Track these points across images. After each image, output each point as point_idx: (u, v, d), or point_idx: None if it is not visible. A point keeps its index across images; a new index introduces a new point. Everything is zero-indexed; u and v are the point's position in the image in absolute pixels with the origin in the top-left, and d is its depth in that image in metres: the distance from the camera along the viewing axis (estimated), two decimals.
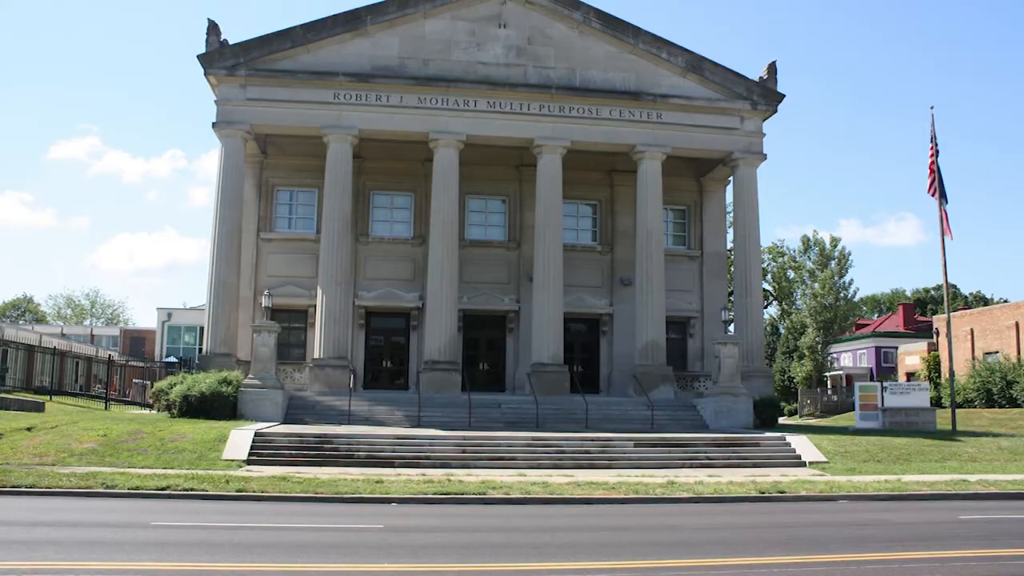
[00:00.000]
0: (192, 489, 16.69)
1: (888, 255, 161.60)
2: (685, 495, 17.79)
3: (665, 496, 17.64)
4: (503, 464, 22.83)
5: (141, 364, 61.56)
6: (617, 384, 36.95)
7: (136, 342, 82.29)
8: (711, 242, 40.20)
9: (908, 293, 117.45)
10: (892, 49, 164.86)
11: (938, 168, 34.18)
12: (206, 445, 22.61)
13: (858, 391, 31.65)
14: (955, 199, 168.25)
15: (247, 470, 20.44)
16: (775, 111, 36.54)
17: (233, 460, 21.50)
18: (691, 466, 23.71)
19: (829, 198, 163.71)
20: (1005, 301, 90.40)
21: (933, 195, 34.19)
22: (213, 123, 33.60)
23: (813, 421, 56.40)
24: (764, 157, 36.35)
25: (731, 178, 39.43)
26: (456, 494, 17.02)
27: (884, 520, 15.03)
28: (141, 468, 19.93)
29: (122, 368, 53.49)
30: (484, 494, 17.08)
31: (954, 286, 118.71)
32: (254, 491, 16.71)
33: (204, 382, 28.80)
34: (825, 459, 24.55)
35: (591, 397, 33.05)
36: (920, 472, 22.92)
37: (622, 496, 17.42)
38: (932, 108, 33.61)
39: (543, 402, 31.18)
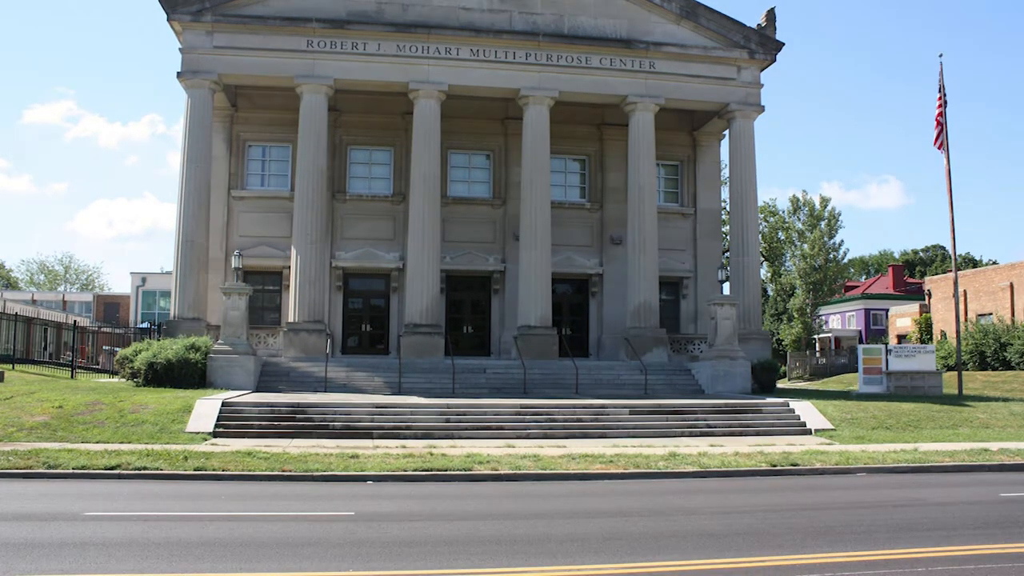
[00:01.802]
0: (145, 468, 14.93)
1: (871, 218, 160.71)
2: (689, 469, 16.22)
3: (668, 470, 16.05)
4: (490, 434, 21.26)
5: (114, 330, 59.45)
6: (608, 347, 35.42)
7: (111, 308, 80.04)
8: (705, 199, 38.50)
9: (896, 255, 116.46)
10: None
11: (945, 120, 32.54)
12: (169, 416, 20.89)
13: (862, 354, 30.17)
14: (963, 154, 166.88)
15: (211, 444, 18.76)
16: (774, 60, 34.72)
17: (198, 433, 19.82)
18: (691, 434, 22.23)
19: (810, 160, 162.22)
20: (994, 263, 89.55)
21: (939, 148, 32.59)
22: (178, 72, 31.49)
23: (803, 384, 55.12)
24: (762, 109, 34.58)
25: (726, 132, 37.81)
26: (439, 470, 15.34)
27: (920, 499, 13.43)
28: (95, 443, 18.19)
29: (94, 335, 51.44)
30: (470, 470, 15.41)
31: (942, 247, 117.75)
32: (214, 469, 14.98)
33: (171, 349, 27.02)
34: (832, 426, 23.13)
35: (581, 361, 31.53)
36: (933, 440, 21.54)
37: (622, 471, 15.83)
38: (941, 56, 32.07)
39: (531, 367, 29.63)
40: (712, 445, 20.06)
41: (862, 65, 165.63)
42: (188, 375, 26.59)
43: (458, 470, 15.38)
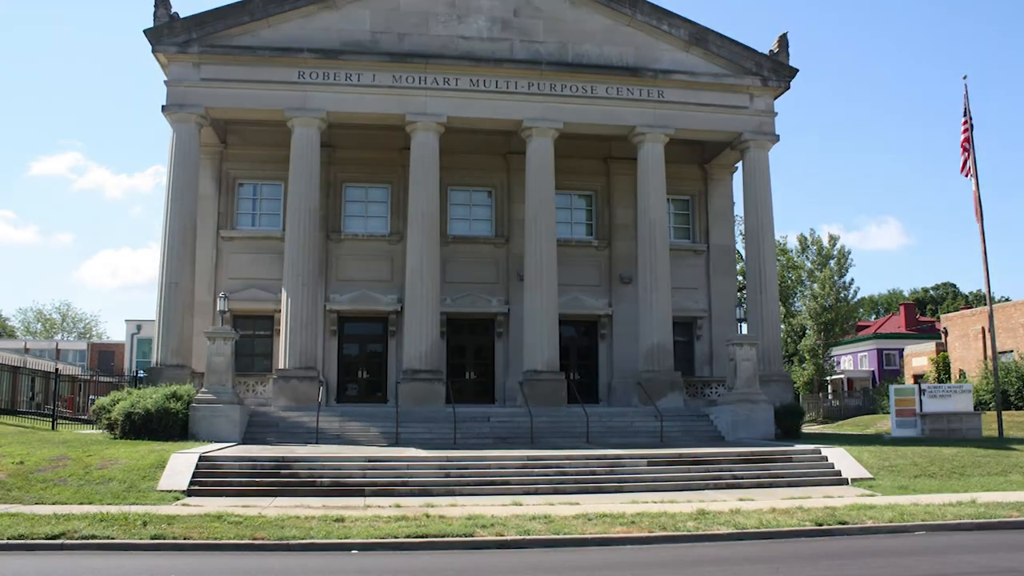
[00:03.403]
0: (94, 537, 12.87)
1: (872, 259, 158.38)
2: (724, 530, 14.13)
3: (700, 532, 13.97)
4: (494, 490, 19.19)
5: (102, 379, 57.35)
6: (619, 393, 33.34)
7: (105, 356, 78.24)
8: (718, 235, 36.65)
9: (905, 294, 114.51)
10: (913, 27, 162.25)
11: (972, 146, 30.87)
12: (139, 473, 18.87)
13: (894, 395, 28.10)
14: (953, 193, 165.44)
15: (182, 504, 16.73)
16: (787, 88, 33.13)
17: (170, 491, 17.80)
18: (716, 487, 20.13)
19: (809, 202, 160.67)
20: (1007, 299, 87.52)
21: (967, 175, 30.89)
22: (163, 106, 29.93)
23: (817, 428, 52.78)
24: (776, 138, 32.93)
25: (738, 164, 36.15)
26: (435, 537, 13.25)
27: (1017, 570, 11.26)
28: (50, 505, 16.16)
29: (84, 384, 49.32)
30: (471, 536, 13.32)
31: (954, 285, 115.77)
32: (174, 538, 12.91)
33: (150, 398, 25.02)
34: (870, 475, 21.03)
35: (591, 408, 29.45)
36: (984, 488, 19.45)
37: (646, 534, 13.75)
38: (965, 78, 30.32)
39: (538, 414, 27.57)
40: (742, 499, 18.00)
41: (860, 102, 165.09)
42: (168, 426, 24.58)
43: (457, 536, 13.29)
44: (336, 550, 12.76)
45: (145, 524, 13.70)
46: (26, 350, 74.12)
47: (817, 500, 17.64)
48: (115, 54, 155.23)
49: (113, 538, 12.89)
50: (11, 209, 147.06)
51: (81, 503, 16.54)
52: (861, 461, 22.08)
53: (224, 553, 12.47)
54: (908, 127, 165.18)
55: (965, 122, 30.89)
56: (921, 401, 27.85)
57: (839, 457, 22.26)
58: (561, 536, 13.49)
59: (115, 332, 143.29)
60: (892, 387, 29.35)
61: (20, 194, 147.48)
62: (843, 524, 14.64)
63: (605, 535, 13.65)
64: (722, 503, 17.31)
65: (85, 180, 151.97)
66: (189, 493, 18.04)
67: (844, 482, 20.78)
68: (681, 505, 16.85)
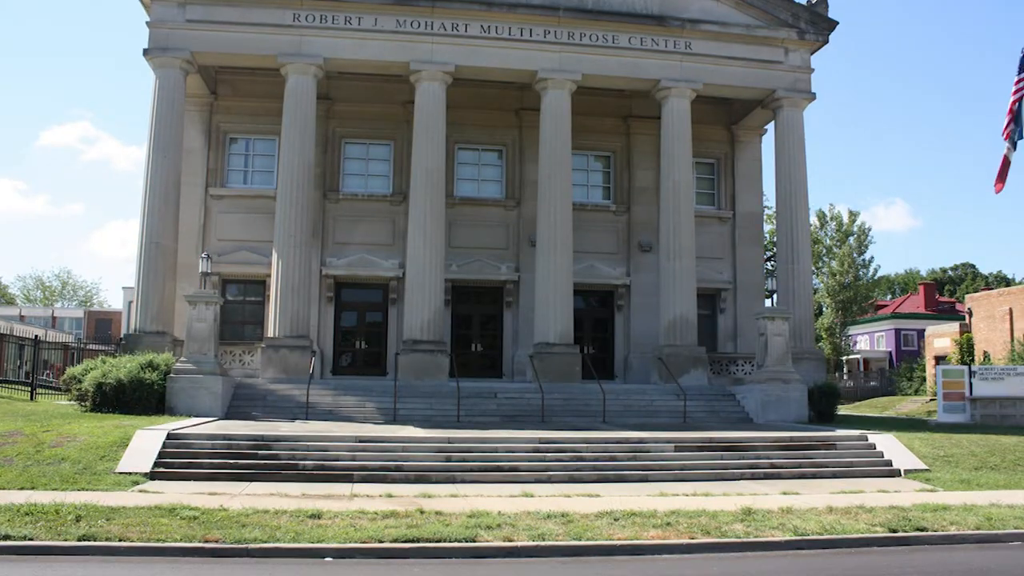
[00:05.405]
0: (8, 537, 10.41)
1: (881, 240, 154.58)
2: (779, 536, 11.69)
3: (750, 539, 11.52)
4: (501, 476, 16.80)
5: (98, 347, 55.12)
6: (636, 368, 30.94)
7: (102, 324, 76.03)
8: (744, 201, 34.05)
9: (923, 274, 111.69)
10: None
11: (1020, 107, 28.23)
12: (98, 452, 16.50)
13: (941, 376, 25.52)
14: (965, 178, 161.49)
15: (139, 490, 14.36)
16: (826, 42, 30.45)
17: (129, 474, 15.43)
18: (753, 477, 17.70)
19: (812, 178, 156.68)
20: None
21: (1007, 138, 28.38)
22: (145, 50, 27.40)
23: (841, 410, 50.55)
24: (812, 97, 30.28)
25: (767, 126, 33.56)
26: (428, 541, 10.79)
27: None
28: None
29: (76, 352, 47.13)
30: (473, 540, 10.88)
31: (972, 266, 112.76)
32: (108, 539, 10.49)
33: (124, 367, 22.69)
34: (924, 466, 18.57)
35: (607, 384, 27.09)
36: None
37: (687, 540, 11.31)
38: None
39: (549, 391, 25.18)
40: (785, 493, 15.58)
41: (878, 76, 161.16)
42: (143, 398, 22.26)
43: (456, 541, 10.84)
44: (306, 556, 10.33)
45: (78, 519, 11.28)
46: (21, 318, 72.15)
47: (874, 496, 15.21)
48: (121, 21, 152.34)
49: (32, 539, 10.47)
50: (22, 179, 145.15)
51: (22, 488, 14.16)
52: (913, 450, 19.61)
53: (164, 559, 10.03)
54: (925, 108, 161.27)
55: (1018, 81, 28.25)
56: (971, 384, 25.30)
57: (888, 445, 19.77)
58: (583, 543, 11.03)
59: (115, 300, 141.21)
60: (940, 368, 26.75)
61: (30, 164, 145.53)
62: (921, 531, 12.16)
63: (637, 541, 11.19)
64: (765, 497, 14.90)
65: (95, 150, 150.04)
66: (152, 476, 15.69)
67: (896, 473, 18.32)
68: (719, 500, 14.44)
